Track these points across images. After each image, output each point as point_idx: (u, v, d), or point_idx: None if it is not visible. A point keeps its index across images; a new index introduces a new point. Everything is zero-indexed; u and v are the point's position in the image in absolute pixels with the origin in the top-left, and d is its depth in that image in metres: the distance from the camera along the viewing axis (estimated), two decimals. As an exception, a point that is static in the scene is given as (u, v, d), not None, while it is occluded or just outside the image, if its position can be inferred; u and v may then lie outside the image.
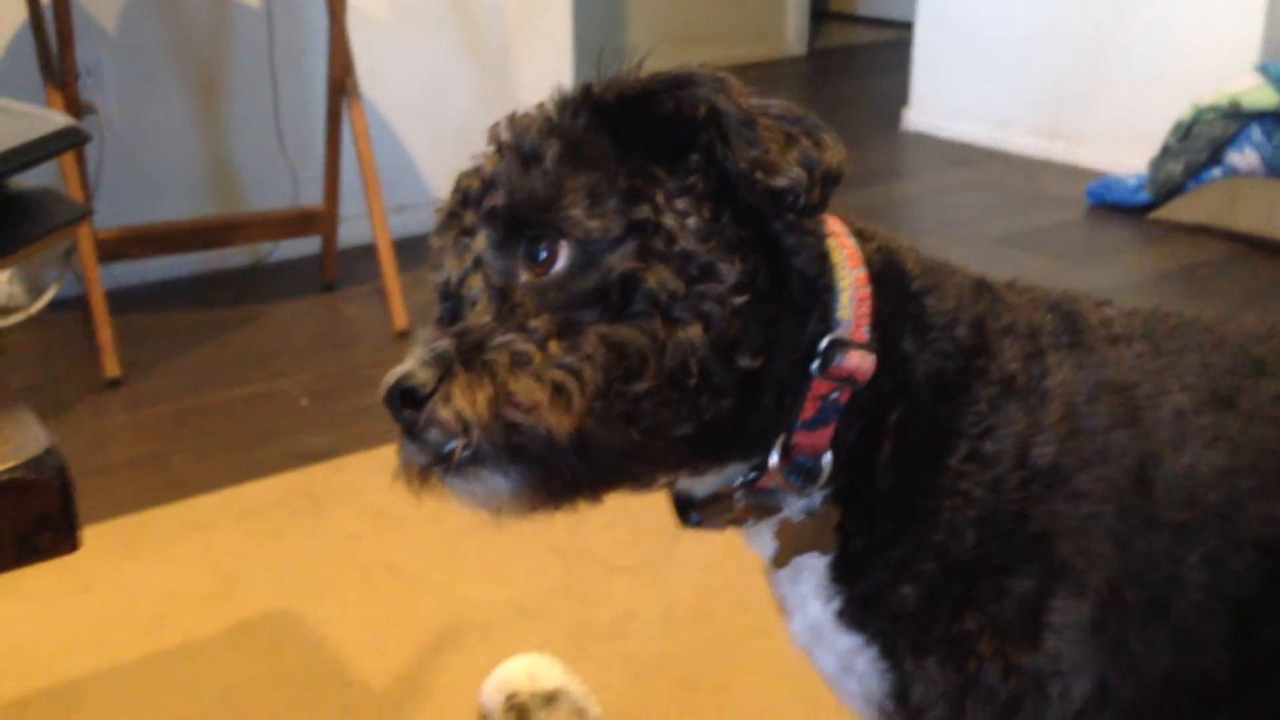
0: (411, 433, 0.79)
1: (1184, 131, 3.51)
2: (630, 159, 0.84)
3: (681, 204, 0.82)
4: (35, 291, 2.96)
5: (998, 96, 4.40)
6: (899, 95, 4.76)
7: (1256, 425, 0.91)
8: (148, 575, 1.96)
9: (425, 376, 0.78)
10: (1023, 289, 0.97)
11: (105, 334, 2.62)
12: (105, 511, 2.10)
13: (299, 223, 3.14)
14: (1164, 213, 3.56)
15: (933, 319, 0.90)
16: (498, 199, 0.84)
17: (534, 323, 0.79)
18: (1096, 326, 0.94)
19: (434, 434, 0.77)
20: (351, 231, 3.25)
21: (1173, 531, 0.89)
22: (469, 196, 0.87)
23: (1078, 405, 0.89)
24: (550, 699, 1.53)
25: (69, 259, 2.98)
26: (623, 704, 1.65)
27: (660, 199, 0.82)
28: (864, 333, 0.87)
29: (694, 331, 0.80)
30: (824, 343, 0.86)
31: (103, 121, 3.01)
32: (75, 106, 2.67)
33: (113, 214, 2.95)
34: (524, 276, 0.82)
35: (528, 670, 1.55)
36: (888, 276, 0.91)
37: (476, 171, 0.87)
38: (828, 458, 0.88)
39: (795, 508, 0.91)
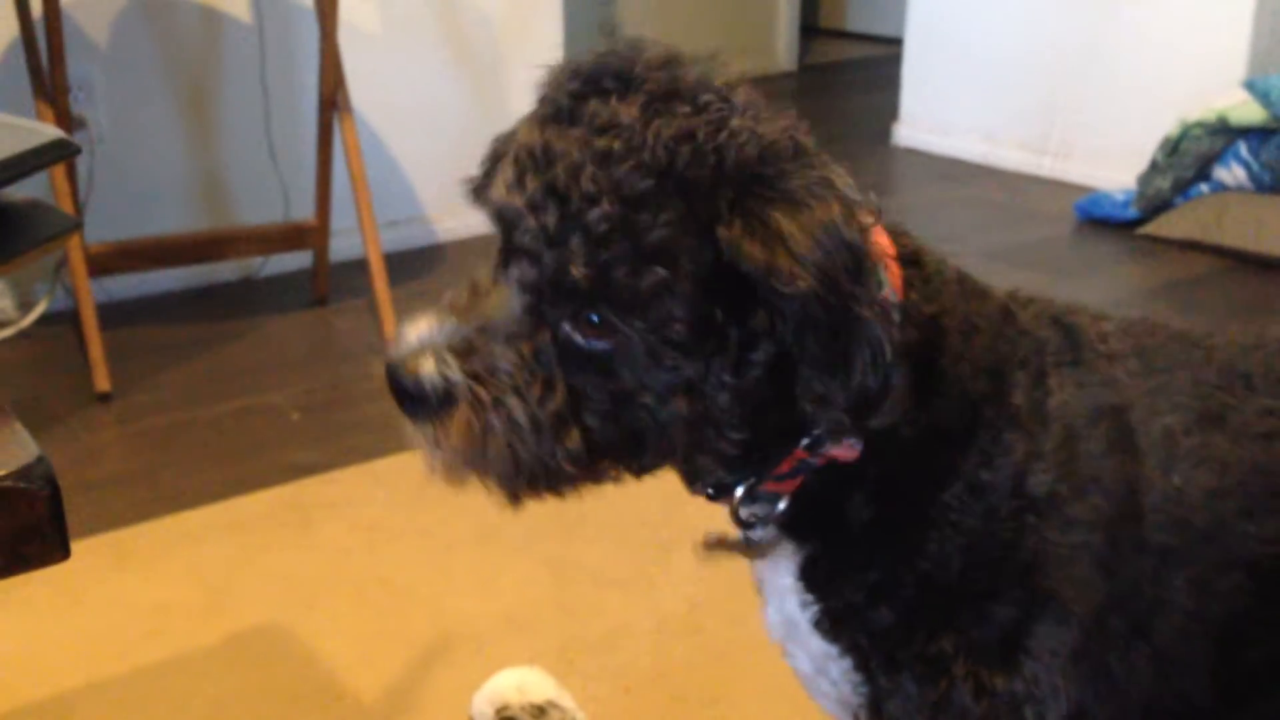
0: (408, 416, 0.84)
1: (1172, 147, 3.52)
2: (705, 279, 0.78)
3: (728, 377, 0.81)
4: (26, 306, 2.96)
5: (987, 112, 4.41)
6: (889, 111, 4.77)
7: (1244, 443, 0.92)
8: (138, 589, 1.95)
9: (431, 385, 0.82)
10: (1026, 300, 0.96)
11: (96, 348, 2.61)
12: (95, 525, 2.09)
13: (290, 237, 3.14)
14: (1152, 228, 3.57)
15: (951, 386, 0.88)
16: (591, 250, 0.77)
17: (550, 388, 0.82)
18: (1095, 342, 0.94)
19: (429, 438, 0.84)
20: (343, 246, 3.25)
21: (1159, 555, 0.89)
22: (560, 185, 0.79)
23: (1077, 429, 0.89)
24: (541, 712, 1.53)
25: (59, 273, 2.98)
26: (613, 717, 1.64)
27: (715, 358, 0.80)
28: None
29: (687, 429, 0.84)
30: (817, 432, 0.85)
31: (93, 136, 3.01)
32: (66, 120, 2.66)
33: (104, 228, 2.95)
34: (567, 325, 0.81)
35: (518, 683, 1.55)
36: (920, 354, 0.87)
37: (582, 146, 0.79)
38: (784, 503, 0.89)
39: (752, 530, 0.93)
